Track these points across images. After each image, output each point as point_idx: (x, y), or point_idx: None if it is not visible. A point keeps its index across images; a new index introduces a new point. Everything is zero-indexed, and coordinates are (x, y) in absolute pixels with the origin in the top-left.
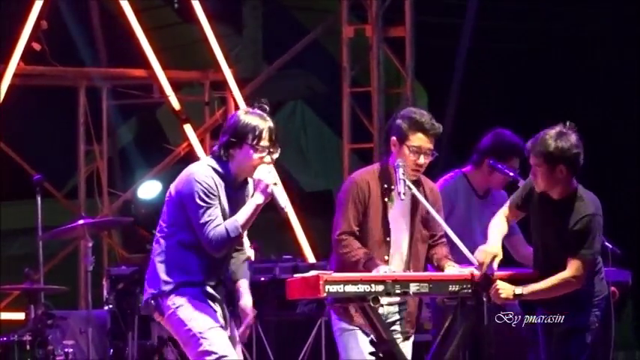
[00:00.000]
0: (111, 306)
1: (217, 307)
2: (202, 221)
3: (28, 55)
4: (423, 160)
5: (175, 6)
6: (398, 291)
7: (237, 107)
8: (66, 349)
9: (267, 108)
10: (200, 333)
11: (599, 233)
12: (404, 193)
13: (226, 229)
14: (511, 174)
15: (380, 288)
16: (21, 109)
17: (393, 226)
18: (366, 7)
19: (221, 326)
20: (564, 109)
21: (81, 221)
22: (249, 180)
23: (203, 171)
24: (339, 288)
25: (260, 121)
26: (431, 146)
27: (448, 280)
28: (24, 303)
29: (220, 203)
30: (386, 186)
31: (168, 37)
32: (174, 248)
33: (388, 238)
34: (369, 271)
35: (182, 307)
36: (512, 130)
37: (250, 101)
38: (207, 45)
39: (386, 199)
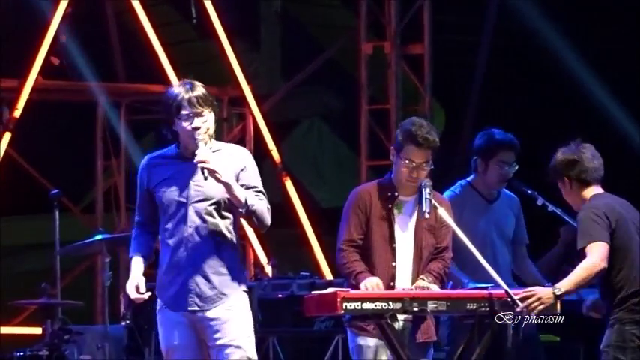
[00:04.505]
0: (128, 321)
1: None
2: None
3: (46, 70)
4: (416, 174)
5: (194, 22)
6: (415, 308)
7: (255, 123)
8: None
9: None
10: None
11: (595, 220)
12: (429, 212)
13: None
14: (529, 192)
15: (398, 305)
16: (39, 123)
17: (399, 233)
18: (385, 24)
19: None
20: (582, 125)
21: (99, 236)
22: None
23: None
24: (357, 305)
25: (178, 90)
26: (423, 160)
27: (466, 298)
28: (41, 318)
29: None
30: (390, 194)
31: (187, 52)
32: None
33: (394, 244)
34: (357, 284)
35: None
36: (531, 148)
37: (268, 118)
38: (226, 61)
39: (390, 206)
